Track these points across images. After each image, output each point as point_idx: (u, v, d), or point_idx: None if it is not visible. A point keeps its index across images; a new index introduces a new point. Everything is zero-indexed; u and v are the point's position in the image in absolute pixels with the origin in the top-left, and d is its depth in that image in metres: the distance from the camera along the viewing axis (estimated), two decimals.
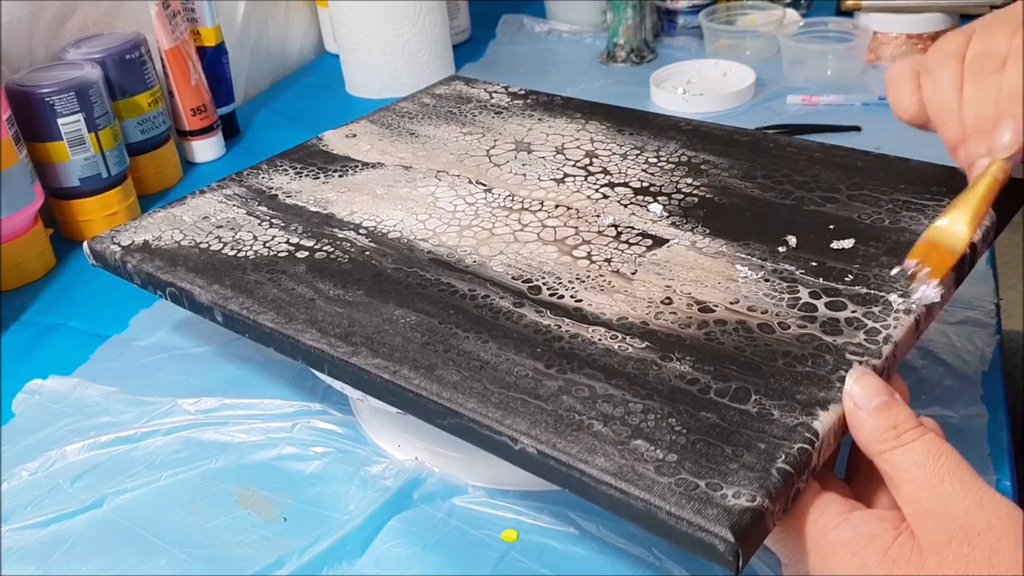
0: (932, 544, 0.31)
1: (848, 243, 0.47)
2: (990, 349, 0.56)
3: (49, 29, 0.83)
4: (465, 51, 1.14)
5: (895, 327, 0.40)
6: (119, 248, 0.56)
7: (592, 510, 0.47)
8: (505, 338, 0.43)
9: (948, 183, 0.51)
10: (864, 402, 0.35)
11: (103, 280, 0.74)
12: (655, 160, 0.57)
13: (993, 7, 0.95)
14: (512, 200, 0.54)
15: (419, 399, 0.41)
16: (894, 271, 0.44)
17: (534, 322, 0.44)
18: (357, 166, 0.62)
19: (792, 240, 0.47)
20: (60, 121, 0.74)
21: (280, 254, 0.53)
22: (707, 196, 0.52)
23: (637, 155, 0.58)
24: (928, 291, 0.42)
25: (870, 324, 0.41)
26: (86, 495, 0.52)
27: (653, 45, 1.08)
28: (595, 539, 0.46)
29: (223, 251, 0.54)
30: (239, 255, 0.53)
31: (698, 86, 0.96)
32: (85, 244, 0.58)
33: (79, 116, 0.75)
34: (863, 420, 0.35)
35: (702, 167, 0.55)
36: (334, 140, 0.66)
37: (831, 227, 0.48)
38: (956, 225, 0.42)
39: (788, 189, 0.52)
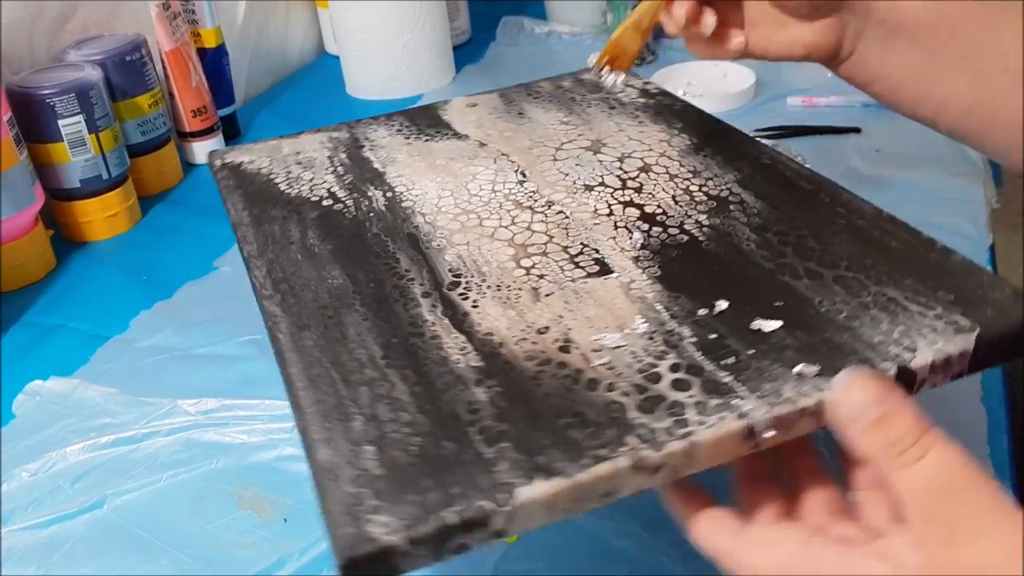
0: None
1: (772, 325, 0.40)
2: None
3: (49, 30, 0.83)
4: (465, 52, 1.14)
5: (707, 427, 0.35)
6: (220, 162, 0.61)
7: (592, 510, 0.47)
8: (383, 322, 0.44)
9: (962, 288, 0.41)
10: (857, 415, 0.32)
11: (103, 281, 0.74)
12: (695, 189, 0.52)
13: None
14: (531, 197, 0.53)
15: (277, 348, 0.43)
16: (592, 71, 0.52)
17: (419, 314, 0.44)
18: (447, 135, 0.63)
19: (723, 305, 0.42)
20: (61, 122, 0.74)
21: (312, 198, 0.55)
22: (699, 239, 0.48)
23: (685, 179, 0.54)
24: (615, 80, 0.54)
25: (688, 415, 0.36)
26: (86, 496, 0.52)
27: (653, 46, 1.08)
28: (595, 539, 0.46)
29: (278, 184, 0.58)
30: (285, 190, 0.56)
31: (698, 87, 0.96)
32: (208, 153, 0.63)
33: (80, 117, 0.75)
34: (857, 440, 0.32)
35: (731, 208, 0.50)
36: (455, 107, 0.67)
37: (778, 304, 0.42)
38: (629, 31, 0.54)
39: (786, 252, 0.46)
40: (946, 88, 0.52)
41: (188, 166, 0.92)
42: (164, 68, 0.87)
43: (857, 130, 0.84)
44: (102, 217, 0.79)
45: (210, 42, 0.93)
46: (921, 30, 0.52)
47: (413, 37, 1.01)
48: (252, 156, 0.62)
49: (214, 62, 0.94)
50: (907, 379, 0.37)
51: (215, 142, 0.92)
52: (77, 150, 0.76)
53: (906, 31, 0.52)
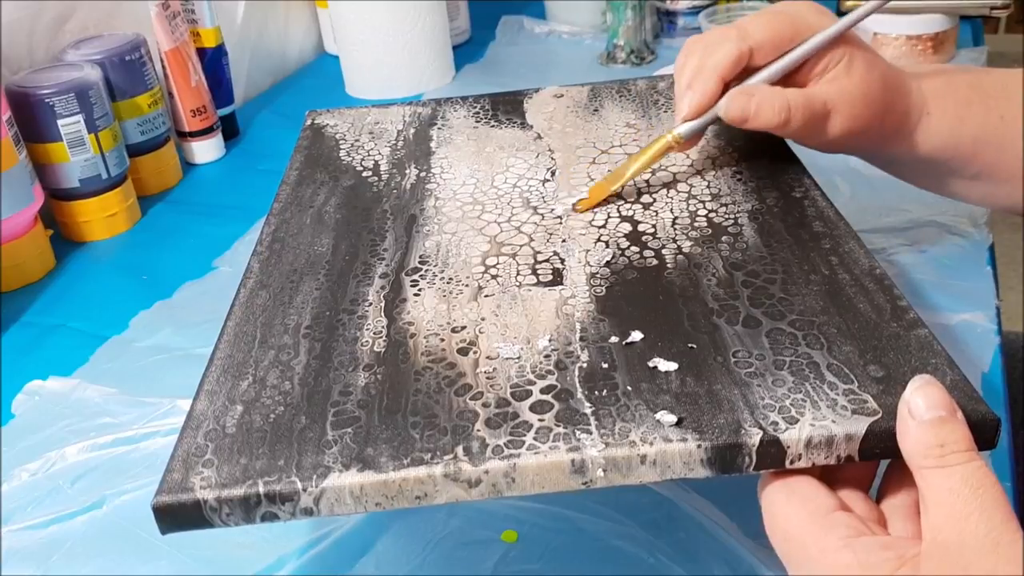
0: None
1: (668, 366, 0.38)
2: (990, 350, 0.56)
3: (49, 30, 0.83)
4: (465, 52, 1.14)
5: (535, 454, 0.35)
6: (310, 121, 0.65)
7: (592, 511, 0.47)
8: (330, 294, 0.45)
9: (899, 368, 0.37)
10: (919, 412, 0.33)
11: (103, 281, 0.74)
12: (702, 213, 0.50)
13: (993, 8, 0.95)
14: (543, 197, 0.53)
15: (233, 301, 0.45)
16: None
17: (365, 292, 0.45)
18: (515, 123, 0.63)
19: (636, 336, 0.41)
20: (60, 122, 0.74)
21: (356, 168, 0.58)
22: (666, 266, 0.46)
23: (700, 202, 0.51)
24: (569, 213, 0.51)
25: (526, 438, 0.35)
26: (86, 496, 0.52)
27: (653, 46, 1.08)
28: (595, 539, 0.46)
29: (341, 150, 0.61)
30: (343, 157, 0.59)
31: None
32: (308, 114, 0.67)
33: (79, 117, 0.75)
34: (911, 430, 0.33)
35: (723, 239, 0.47)
36: (541, 96, 0.67)
37: (691, 346, 0.40)
38: (616, 175, 0.52)
39: (741, 295, 0.43)
40: (961, 188, 0.57)
41: (188, 166, 0.92)
42: (163, 68, 0.87)
43: None
44: (101, 217, 0.79)
45: (209, 42, 0.93)
46: (938, 161, 0.55)
47: (413, 37, 1.01)
48: (338, 120, 0.66)
49: (213, 62, 0.94)
50: (776, 451, 0.35)
51: (214, 142, 0.92)
52: (76, 150, 0.76)
53: (922, 161, 0.55)
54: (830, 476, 0.37)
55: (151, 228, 0.82)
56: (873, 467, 0.38)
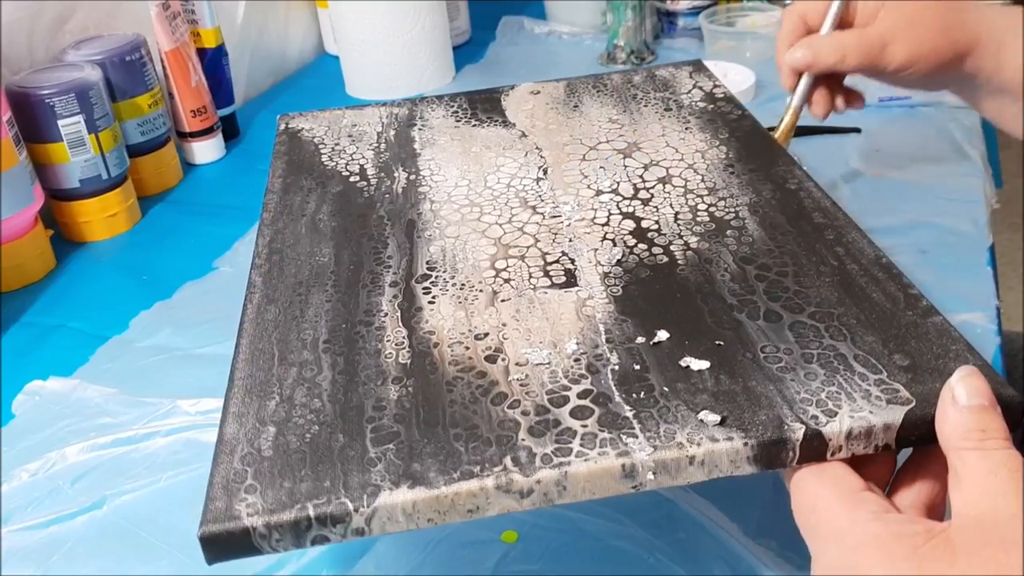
0: (967, 546, 0.31)
1: (700, 365, 0.38)
2: (990, 350, 0.56)
3: (49, 30, 0.83)
4: (465, 52, 1.14)
5: (585, 461, 0.34)
6: (284, 126, 0.64)
7: (592, 511, 0.47)
8: (343, 306, 0.45)
9: (923, 355, 0.38)
10: (962, 399, 0.34)
11: (103, 281, 0.74)
12: (703, 208, 0.50)
13: None
14: (540, 196, 0.53)
15: (242, 318, 0.45)
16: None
17: (378, 302, 0.45)
18: (497, 122, 0.63)
19: (663, 336, 0.40)
20: (60, 122, 0.74)
21: (343, 172, 0.57)
22: (677, 262, 0.46)
23: (698, 196, 0.51)
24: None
25: (573, 445, 0.35)
26: (86, 496, 0.52)
27: (653, 47, 1.08)
28: (595, 540, 0.46)
29: (322, 155, 0.60)
30: (325, 162, 0.59)
31: None
32: (281, 119, 0.66)
33: (79, 117, 0.75)
34: (953, 414, 0.34)
35: (728, 233, 0.47)
36: (517, 93, 0.67)
37: (719, 343, 0.40)
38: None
39: (757, 289, 0.43)
40: None
41: (188, 166, 0.92)
42: (164, 68, 0.87)
43: (857, 130, 0.84)
44: (102, 217, 0.79)
45: (210, 42, 0.93)
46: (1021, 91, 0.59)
47: (413, 37, 1.01)
48: (313, 124, 0.65)
49: (214, 62, 0.94)
50: (819, 444, 0.35)
51: (214, 142, 0.92)
52: (77, 150, 0.76)
53: (1008, 92, 0.60)
54: None
55: (151, 228, 0.82)
56: (891, 467, 0.38)
